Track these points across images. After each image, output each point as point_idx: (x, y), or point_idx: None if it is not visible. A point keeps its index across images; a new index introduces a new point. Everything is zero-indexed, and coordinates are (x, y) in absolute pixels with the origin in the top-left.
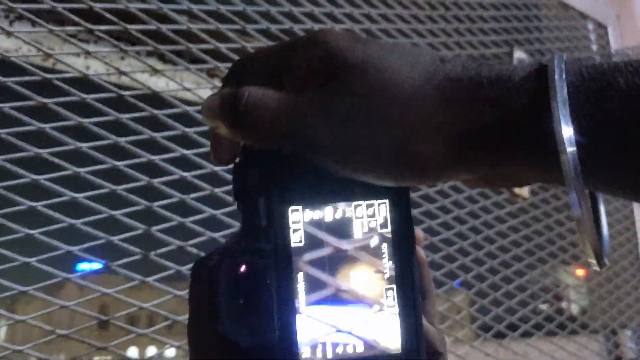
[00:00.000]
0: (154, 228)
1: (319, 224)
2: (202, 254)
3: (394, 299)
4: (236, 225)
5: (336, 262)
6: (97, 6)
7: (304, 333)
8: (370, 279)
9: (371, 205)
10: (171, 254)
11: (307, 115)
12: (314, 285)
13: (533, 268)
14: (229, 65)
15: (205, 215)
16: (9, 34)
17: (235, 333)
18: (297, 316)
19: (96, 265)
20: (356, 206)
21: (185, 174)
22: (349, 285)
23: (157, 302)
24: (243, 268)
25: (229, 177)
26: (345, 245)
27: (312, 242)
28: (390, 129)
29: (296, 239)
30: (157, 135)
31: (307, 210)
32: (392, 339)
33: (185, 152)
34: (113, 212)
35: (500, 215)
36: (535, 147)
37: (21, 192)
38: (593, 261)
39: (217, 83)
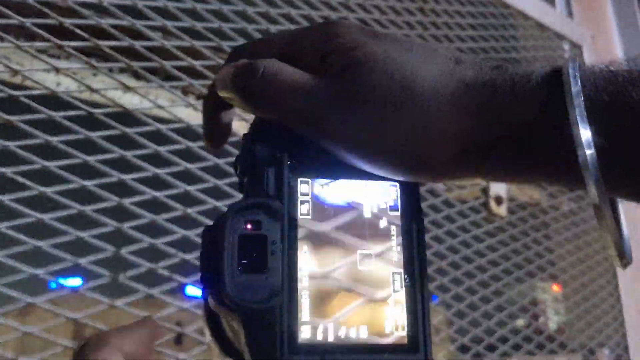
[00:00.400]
0: (124, 250)
1: (327, 198)
2: (175, 276)
3: (401, 284)
4: None
5: (342, 239)
6: (68, 22)
7: (305, 310)
8: (377, 262)
9: (381, 186)
10: (141, 276)
11: (322, 97)
12: (318, 258)
13: (511, 287)
14: (204, 82)
15: (177, 236)
16: None
17: (234, 292)
18: (299, 290)
19: (72, 282)
20: (366, 185)
21: (157, 193)
22: (355, 264)
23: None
24: (249, 227)
25: (202, 197)
26: (352, 223)
27: (319, 216)
28: (403, 130)
29: (303, 210)
30: (128, 153)
31: (316, 184)
32: (397, 326)
33: (158, 171)
34: (81, 234)
35: (478, 235)
36: (550, 152)
37: None
38: (615, 256)
39: (192, 100)
